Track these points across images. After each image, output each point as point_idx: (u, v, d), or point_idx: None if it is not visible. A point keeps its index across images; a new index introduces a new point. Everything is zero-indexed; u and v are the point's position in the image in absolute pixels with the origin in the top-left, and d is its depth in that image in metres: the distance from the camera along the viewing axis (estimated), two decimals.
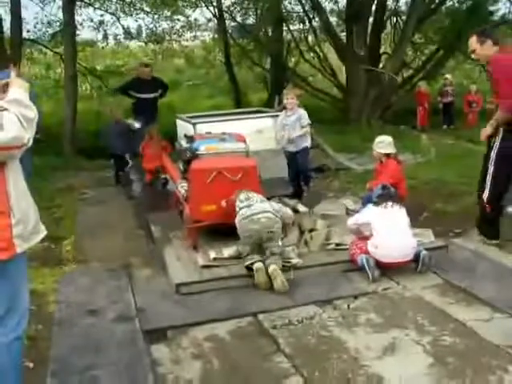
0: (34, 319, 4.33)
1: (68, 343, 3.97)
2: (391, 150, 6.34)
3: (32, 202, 3.07)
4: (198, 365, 3.76)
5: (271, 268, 4.81)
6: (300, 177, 7.51)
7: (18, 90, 2.93)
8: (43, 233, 3.13)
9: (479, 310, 4.34)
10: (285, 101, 7.38)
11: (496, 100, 5.45)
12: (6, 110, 2.75)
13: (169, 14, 17.37)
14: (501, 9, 17.39)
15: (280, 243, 5.13)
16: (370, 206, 5.36)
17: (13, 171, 2.92)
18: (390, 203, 5.22)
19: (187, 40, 19.12)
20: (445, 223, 6.29)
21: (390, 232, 5.06)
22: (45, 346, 3.97)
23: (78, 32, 14.50)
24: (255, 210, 5.09)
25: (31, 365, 3.73)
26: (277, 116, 7.79)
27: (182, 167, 6.46)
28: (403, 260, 5.06)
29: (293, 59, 18.44)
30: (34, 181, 9.05)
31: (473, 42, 5.43)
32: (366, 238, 5.21)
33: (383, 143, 6.33)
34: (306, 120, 7.20)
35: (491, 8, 16.67)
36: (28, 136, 2.80)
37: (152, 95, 9.78)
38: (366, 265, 4.97)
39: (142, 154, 8.46)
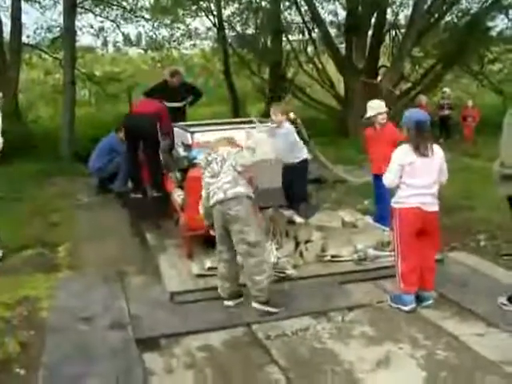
0: (26, 325, 4.33)
1: (60, 350, 3.94)
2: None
3: None
4: (191, 374, 3.74)
5: None
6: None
7: None
8: None
9: (474, 325, 4.33)
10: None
11: None
12: None
13: (169, 21, 17.44)
14: (498, 25, 17.56)
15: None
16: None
17: None
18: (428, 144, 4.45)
19: (186, 48, 19.17)
20: (441, 237, 6.25)
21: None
22: (36, 352, 3.94)
23: (77, 38, 14.52)
24: None
25: (22, 371, 3.70)
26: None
27: (178, 175, 6.44)
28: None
29: (291, 69, 18.46)
30: (31, 186, 9.09)
31: None
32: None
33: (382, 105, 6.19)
34: None
35: (489, 24, 16.79)
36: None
37: (178, 104, 8.84)
38: (398, 303, 4.62)
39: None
